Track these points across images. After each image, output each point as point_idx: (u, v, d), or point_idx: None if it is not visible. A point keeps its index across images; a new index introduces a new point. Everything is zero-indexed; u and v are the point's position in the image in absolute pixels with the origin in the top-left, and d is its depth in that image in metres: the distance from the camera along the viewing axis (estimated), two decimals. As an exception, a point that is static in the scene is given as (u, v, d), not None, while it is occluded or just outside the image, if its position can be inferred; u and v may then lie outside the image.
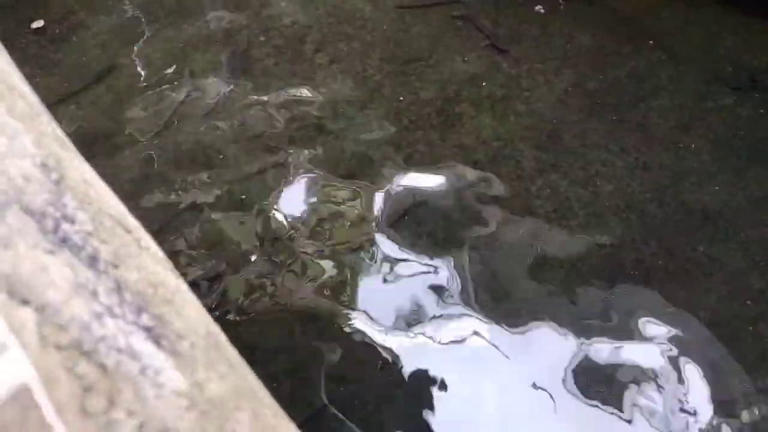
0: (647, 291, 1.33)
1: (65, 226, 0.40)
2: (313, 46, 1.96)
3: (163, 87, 1.86)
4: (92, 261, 0.40)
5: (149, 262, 0.47)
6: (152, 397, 0.34)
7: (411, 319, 1.33)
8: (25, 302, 0.33)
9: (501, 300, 1.35)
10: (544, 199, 1.54)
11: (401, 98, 1.77)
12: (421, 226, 1.50)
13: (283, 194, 1.58)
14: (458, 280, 1.39)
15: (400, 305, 1.36)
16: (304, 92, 1.82)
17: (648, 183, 1.54)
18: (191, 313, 0.45)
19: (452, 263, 1.41)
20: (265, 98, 1.81)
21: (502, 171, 1.60)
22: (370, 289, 1.39)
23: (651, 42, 1.83)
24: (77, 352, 0.33)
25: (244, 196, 1.57)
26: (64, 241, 0.39)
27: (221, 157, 1.67)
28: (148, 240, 0.51)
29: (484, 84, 1.79)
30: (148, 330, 0.38)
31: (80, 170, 0.50)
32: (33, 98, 0.56)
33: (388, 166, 1.62)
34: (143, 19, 2.10)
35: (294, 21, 2.04)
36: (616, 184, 1.55)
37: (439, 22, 1.98)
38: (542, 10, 1.94)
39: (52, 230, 0.39)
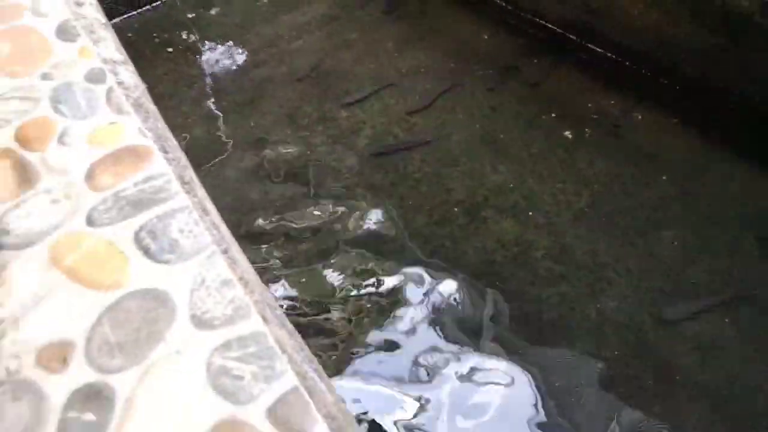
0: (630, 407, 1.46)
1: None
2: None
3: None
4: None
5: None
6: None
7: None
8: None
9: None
10: (551, 305, 1.70)
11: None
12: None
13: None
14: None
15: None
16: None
17: (648, 306, 1.69)
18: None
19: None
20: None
21: (519, 274, 1.78)
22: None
23: (665, 178, 2.02)
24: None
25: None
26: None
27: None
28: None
29: (510, 194, 2.01)
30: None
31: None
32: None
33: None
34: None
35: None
36: (619, 302, 1.70)
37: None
38: (570, 136, 2.18)
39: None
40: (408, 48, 2.58)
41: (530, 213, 1.95)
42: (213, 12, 2.81)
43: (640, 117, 2.21)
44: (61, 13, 0.63)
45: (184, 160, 0.58)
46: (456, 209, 1.98)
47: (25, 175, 0.50)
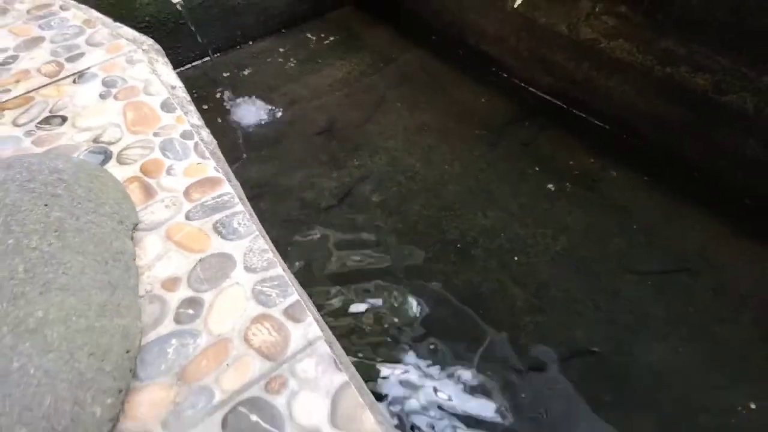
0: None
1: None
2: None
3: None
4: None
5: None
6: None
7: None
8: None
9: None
10: (528, 332, 1.96)
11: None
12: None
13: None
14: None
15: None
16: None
17: (611, 337, 1.94)
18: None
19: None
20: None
21: (500, 306, 2.05)
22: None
23: (634, 227, 2.31)
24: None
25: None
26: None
27: (288, 256, 2.20)
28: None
29: (497, 237, 2.30)
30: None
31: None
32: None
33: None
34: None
35: (361, 165, 2.66)
36: (586, 332, 1.96)
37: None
38: (553, 188, 2.48)
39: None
40: (414, 109, 2.95)
41: (513, 253, 2.24)
42: (246, 72, 3.23)
43: (615, 174, 2.52)
44: (163, 94, 0.96)
45: (239, 187, 0.90)
46: (449, 248, 2.28)
47: (148, 192, 0.82)
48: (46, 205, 0.61)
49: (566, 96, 2.77)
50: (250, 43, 3.36)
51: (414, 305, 2.08)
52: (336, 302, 2.11)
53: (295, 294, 0.67)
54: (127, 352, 0.58)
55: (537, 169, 2.57)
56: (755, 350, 1.90)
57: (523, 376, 1.87)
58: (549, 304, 2.06)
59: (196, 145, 0.91)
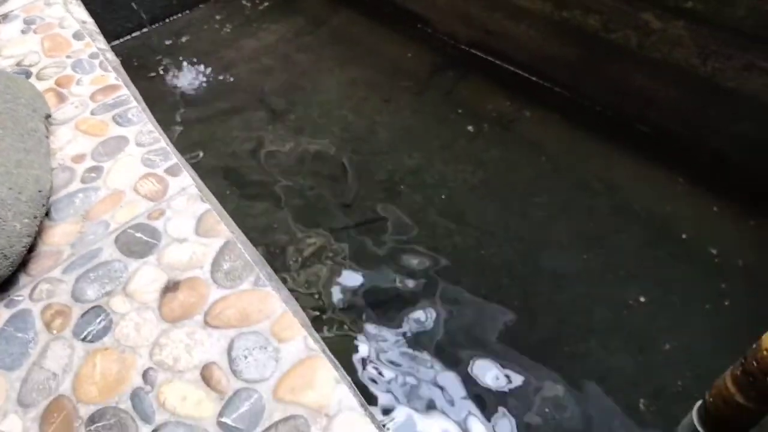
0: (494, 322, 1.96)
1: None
2: (305, 136, 2.74)
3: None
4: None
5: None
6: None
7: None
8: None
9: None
10: (447, 253, 2.20)
11: (360, 177, 2.52)
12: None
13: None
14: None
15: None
16: (293, 166, 2.58)
17: (519, 251, 2.20)
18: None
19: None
20: (265, 167, 2.56)
21: (423, 231, 2.28)
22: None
23: (543, 158, 2.56)
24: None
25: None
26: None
27: (227, 201, 2.39)
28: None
29: (421, 175, 2.52)
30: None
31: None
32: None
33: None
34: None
35: (296, 119, 2.84)
36: (497, 251, 2.21)
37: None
38: (471, 129, 2.71)
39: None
40: (346, 65, 3.13)
41: (436, 188, 2.46)
42: (183, 39, 3.35)
43: (528, 114, 2.76)
44: (75, 26, 1.13)
45: (138, 93, 1.08)
46: (378, 187, 2.49)
47: (61, 98, 1.00)
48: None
49: (482, 45, 2.99)
50: (187, 11, 3.48)
51: (342, 236, 2.29)
52: (274, 239, 2.31)
53: (174, 158, 0.87)
54: (39, 191, 0.77)
55: (458, 113, 2.80)
56: (644, 254, 2.18)
57: (439, 289, 2.10)
58: (465, 229, 2.30)
59: (100, 62, 1.09)
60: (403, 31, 3.29)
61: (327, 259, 2.24)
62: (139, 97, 1.05)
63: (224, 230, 0.77)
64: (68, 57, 1.11)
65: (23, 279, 0.73)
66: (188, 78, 3.07)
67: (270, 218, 2.40)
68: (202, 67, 3.12)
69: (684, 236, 2.20)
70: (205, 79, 3.07)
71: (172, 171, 0.86)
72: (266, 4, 3.58)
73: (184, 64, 3.15)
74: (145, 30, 3.32)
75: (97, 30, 1.23)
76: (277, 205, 2.45)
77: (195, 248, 0.75)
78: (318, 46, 3.29)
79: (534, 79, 2.86)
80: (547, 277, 2.14)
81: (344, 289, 2.14)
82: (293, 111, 2.89)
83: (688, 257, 2.14)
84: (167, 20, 3.43)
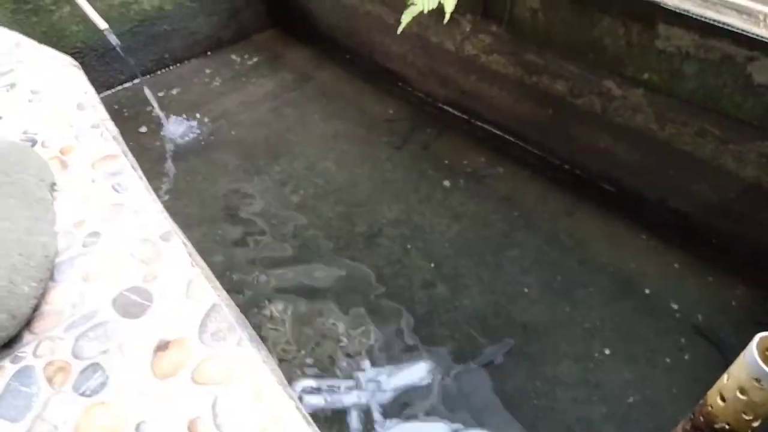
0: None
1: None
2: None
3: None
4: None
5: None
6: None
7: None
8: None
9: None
10: (422, 304, 2.29)
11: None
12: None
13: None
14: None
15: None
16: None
17: (491, 303, 2.30)
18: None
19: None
20: (249, 217, 2.65)
21: (399, 282, 2.38)
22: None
23: (516, 213, 2.69)
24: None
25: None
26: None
27: (211, 251, 2.46)
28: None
29: (400, 227, 2.64)
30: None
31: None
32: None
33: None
34: (178, 157, 3.03)
35: (280, 170, 2.96)
36: (470, 301, 2.31)
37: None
38: (448, 184, 2.85)
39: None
40: (330, 119, 3.28)
41: (413, 240, 2.57)
42: (174, 92, 3.49)
43: (501, 170, 2.91)
44: (78, 97, 1.24)
45: (135, 161, 1.18)
46: (358, 238, 2.59)
47: (64, 165, 1.09)
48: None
49: (458, 105, 3.17)
50: (178, 65, 3.63)
51: (325, 283, 2.38)
52: (253, 282, 2.38)
53: (167, 225, 0.96)
54: (46, 256, 0.85)
55: (436, 167, 2.94)
56: (609, 308, 2.29)
57: (417, 341, 2.19)
58: (441, 280, 2.40)
59: (101, 133, 1.19)
60: (384, 88, 3.47)
61: (302, 306, 2.32)
62: (136, 165, 1.15)
63: (212, 294, 0.85)
64: (71, 126, 1.21)
65: (27, 336, 0.81)
66: (177, 129, 3.19)
67: (252, 268, 2.48)
68: (191, 119, 3.25)
69: (647, 291, 2.32)
70: (193, 130, 3.19)
71: (165, 237, 0.95)
72: (255, 59, 3.75)
73: (174, 115, 3.27)
74: (136, 81, 3.45)
75: (98, 100, 1.33)
76: (256, 256, 2.53)
77: (185, 310, 0.83)
78: (303, 100, 3.45)
79: (506, 137, 3.03)
80: (518, 329, 2.23)
81: (319, 340, 2.21)
82: (278, 163, 3.01)
83: (651, 312, 2.26)
84: (159, 72, 3.57)
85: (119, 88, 3.48)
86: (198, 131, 3.19)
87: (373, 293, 2.35)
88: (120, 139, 1.24)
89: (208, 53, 3.74)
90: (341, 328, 2.24)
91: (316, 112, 3.36)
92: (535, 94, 2.75)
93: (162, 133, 3.19)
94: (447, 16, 2.39)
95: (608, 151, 2.62)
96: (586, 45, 2.37)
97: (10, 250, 0.80)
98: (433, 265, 2.46)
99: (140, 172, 1.12)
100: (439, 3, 2.41)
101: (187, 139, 3.15)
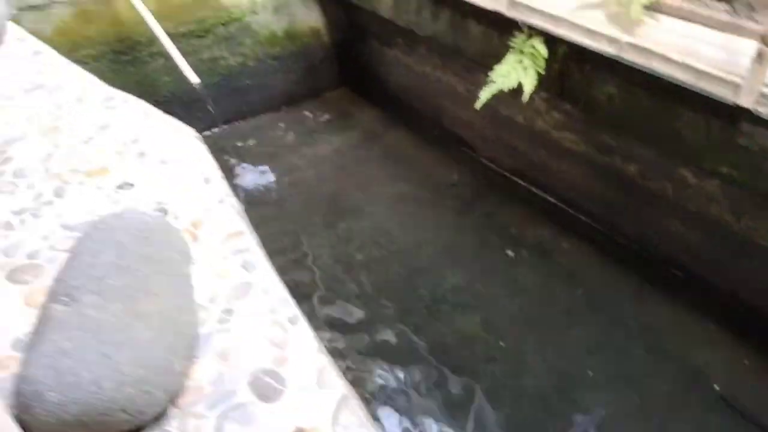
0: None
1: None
2: (355, 246, 2.92)
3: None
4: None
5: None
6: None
7: None
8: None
9: None
10: (486, 378, 2.29)
11: (404, 292, 2.66)
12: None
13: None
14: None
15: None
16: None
17: (555, 385, 2.27)
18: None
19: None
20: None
21: (462, 353, 2.38)
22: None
23: (580, 291, 2.69)
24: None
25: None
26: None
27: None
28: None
29: (462, 295, 2.66)
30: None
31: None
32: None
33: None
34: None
35: (347, 228, 3.05)
36: (534, 381, 2.29)
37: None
38: (511, 254, 2.88)
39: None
40: (396, 181, 3.38)
41: (476, 310, 2.59)
42: (250, 142, 3.67)
43: (566, 245, 2.92)
44: (204, 170, 1.35)
45: (256, 237, 1.26)
46: (420, 303, 2.63)
47: (195, 238, 1.19)
48: (141, 244, 0.97)
49: (525, 175, 3.23)
50: (255, 117, 3.82)
51: (386, 352, 2.40)
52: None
53: (293, 308, 1.03)
54: (192, 335, 0.93)
55: (499, 237, 2.98)
56: (677, 400, 2.24)
57: (473, 414, 2.18)
58: (504, 355, 2.40)
59: (227, 208, 1.29)
60: (450, 152, 3.56)
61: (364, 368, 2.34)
62: (259, 243, 1.23)
63: (341, 384, 0.90)
64: (199, 200, 1.31)
65: (172, 411, 0.87)
66: (252, 178, 3.33)
67: (314, 323, 2.53)
68: (264, 170, 3.40)
69: (716, 387, 2.26)
70: (266, 180, 3.33)
71: (292, 320, 1.01)
72: (326, 116, 3.92)
73: (249, 165, 3.43)
74: (216, 130, 3.65)
75: (221, 174, 1.44)
76: (319, 313, 2.59)
77: (317, 399, 0.88)
78: (370, 159, 3.57)
79: (572, 211, 3.05)
80: (583, 414, 2.20)
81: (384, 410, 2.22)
82: (344, 219, 3.10)
83: (721, 412, 2.19)
84: (236, 123, 3.76)
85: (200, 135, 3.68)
86: (270, 182, 3.33)
87: (434, 363, 2.36)
88: (244, 214, 1.33)
89: (283, 108, 3.93)
90: (405, 398, 2.25)
91: (382, 171, 3.47)
92: (606, 173, 2.78)
93: (236, 181, 3.34)
94: (526, 97, 2.48)
95: (679, 236, 2.61)
96: (663, 133, 2.40)
97: (166, 329, 0.88)
98: (496, 338, 2.46)
99: (264, 250, 1.20)
100: (519, 83, 2.50)
101: (259, 188, 3.28)
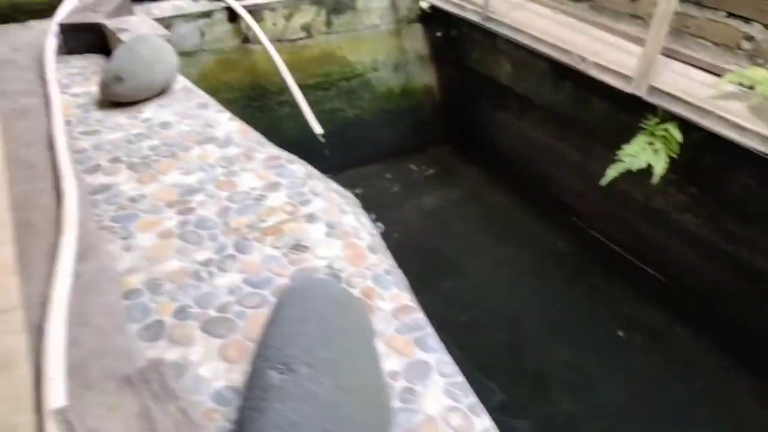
0: None
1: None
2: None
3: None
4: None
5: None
6: None
7: None
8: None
9: None
10: None
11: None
12: None
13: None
14: None
15: None
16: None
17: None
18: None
19: None
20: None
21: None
22: None
23: (698, 384, 2.54)
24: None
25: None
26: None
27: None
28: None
29: (571, 372, 2.58)
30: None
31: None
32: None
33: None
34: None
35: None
36: None
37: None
38: (622, 335, 2.78)
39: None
40: (499, 243, 3.37)
41: (586, 391, 2.50)
42: (357, 190, 3.79)
43: (680, 332, 2.79)
44: (367, 239, 1.43)
45: (422, 311, 1.30)
46: (526, 377, 2.57)
47: (370, 309, 1.25)
48: (338, 314, 1.03)
49: (638, 253, 3.13)
50: (364, 167, 3.96)
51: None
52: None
53: (472, 396, 1.04)
54: (391, 413, 0.97)
55: (609, 314, 2.89)
56: None
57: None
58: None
59: (395, 281, 1.34)
60: (555, 219, 3.52)
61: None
62: (427, 319, 1.27)
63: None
64: (367, 269, 1.37)
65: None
66: (358, 228, 3.42)
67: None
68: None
69: None
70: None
71: (473, 409, 1.03)
72: (430, 171, 4.01)
73: (357, 213, 3.53)
74: (328, 176, 3.80)
75: (384, 244, 1.51)
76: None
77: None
78: (474, 218, 3.59)
79: (690, 298, 2.92)
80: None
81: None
82: (447, 278, 3.11)
83: None
84: (346, 171, 3.91)
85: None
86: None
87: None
88: (410, 289, 1.38)
89: (389, 159, 4.06)
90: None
91: (485, 232, 3.47)
92: (731, 262, 2.66)
93: (342, 228, 3.44)
94: (656, 179, 2.44)
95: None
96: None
97: (370, 406, 0.92)
98: (607, 426, 2.37)
99: (433, 328, 1.23)
100: (648, 164, 2.48)
101: (365, 239, 3.37)
